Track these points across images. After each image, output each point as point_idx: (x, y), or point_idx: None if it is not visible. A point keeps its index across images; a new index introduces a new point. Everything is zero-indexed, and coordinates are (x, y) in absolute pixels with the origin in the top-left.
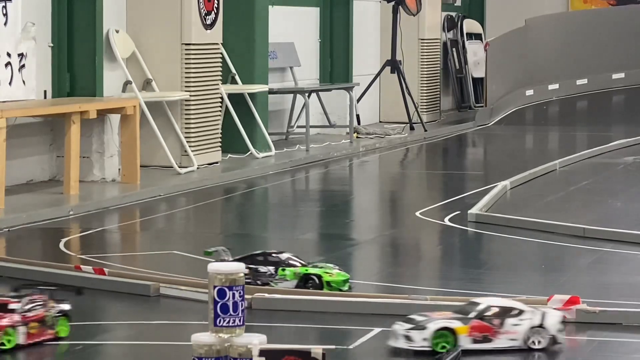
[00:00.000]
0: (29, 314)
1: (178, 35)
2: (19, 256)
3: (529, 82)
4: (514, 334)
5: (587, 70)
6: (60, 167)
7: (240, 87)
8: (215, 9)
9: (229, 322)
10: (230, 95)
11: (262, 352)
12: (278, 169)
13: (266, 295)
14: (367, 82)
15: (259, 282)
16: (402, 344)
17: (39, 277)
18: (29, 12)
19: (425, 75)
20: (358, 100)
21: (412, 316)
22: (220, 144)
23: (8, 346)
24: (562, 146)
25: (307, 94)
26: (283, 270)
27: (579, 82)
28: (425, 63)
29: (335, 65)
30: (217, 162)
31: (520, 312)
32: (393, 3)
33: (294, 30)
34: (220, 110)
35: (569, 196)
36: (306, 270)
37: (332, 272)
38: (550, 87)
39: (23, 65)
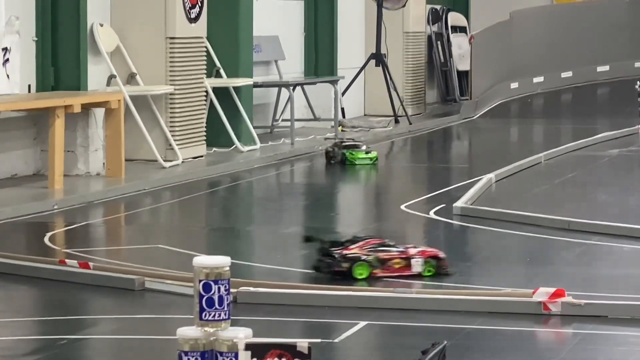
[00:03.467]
0: None
1: (162, 29)
2: (3, 250)
3: (514, 74)
4: None
5: (572, 63)
6: (45, 161)
7: (224, 81)
8: (199, 3)
9: (214, 316)
10: (214, 89)
11: (248, 346)
12: (263, 163)
13: (251, 289)
14: (352, 75)
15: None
16: None
17: (23, 272)
18: (12, 5)
19: (410, 69)
20: (343, 94)
21: None
22: (205, 138)
23: None
24: (547, 139)
25: (291, 88)
26: (339, 149)
27: (564, 74)
28: (410, 56)
29: (320, 58)
30: (201, 156)
31: None
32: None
33: (278, 24)
34: (204, 104)
35: (554, 189)
36: (344, 151)
37: (357, 153)
38: (535, 79)
39: (7, 60)
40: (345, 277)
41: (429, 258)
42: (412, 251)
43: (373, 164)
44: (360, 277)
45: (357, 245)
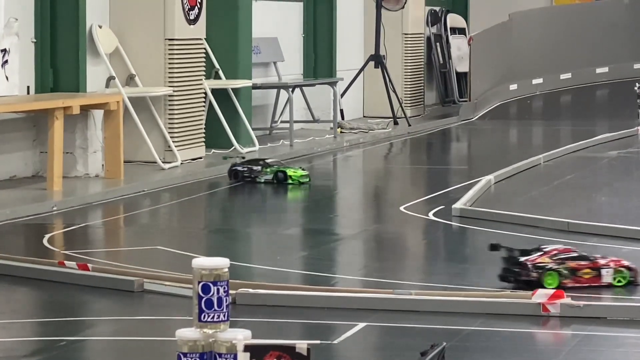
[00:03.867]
0: None
1: (161, 30)
2: (2, 252)
3: (513, 76)
4: None
5: (571, 65)
6: (44, 162)
7: (223, 82)
8: (198, 4)
9: (213, 317)
10: (213, 91)
11: (247, 348)
12: None
13: (250, 290)
14: (351, 77)
15: (252, 175)
16: None
17: (22, 273)
18: (11, 7)
19: (409, 70)
20: (342, 95)
21: None
22: (204, 139)
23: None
24: (546, 140)
25: (290, 89)
26: (266, 167)
27: (563, 76)
28: (409, 58)
29: (319, 60)
30: (200, 158)
31: None
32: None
33: (277, 25)
34: (203, 106)
35: (553, 190)
36: (278, 168)
37: (296, 170)
38: (534, 81)
39: (6, 61)
40: (533, 287)
41: (620, 268)
42: (601, 261)
43: (308, 182)
44: (549, 286)
45: (545, 254)
